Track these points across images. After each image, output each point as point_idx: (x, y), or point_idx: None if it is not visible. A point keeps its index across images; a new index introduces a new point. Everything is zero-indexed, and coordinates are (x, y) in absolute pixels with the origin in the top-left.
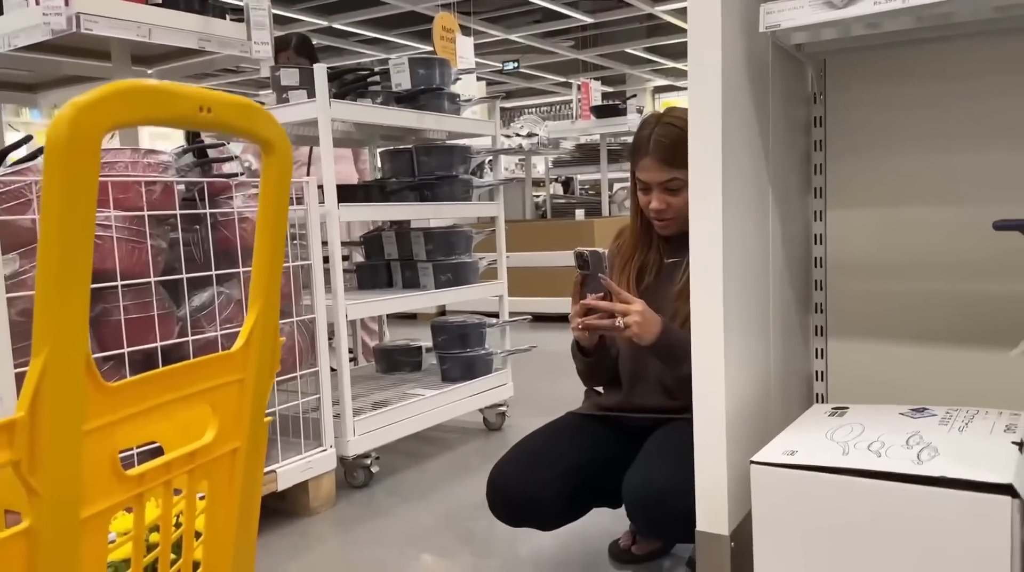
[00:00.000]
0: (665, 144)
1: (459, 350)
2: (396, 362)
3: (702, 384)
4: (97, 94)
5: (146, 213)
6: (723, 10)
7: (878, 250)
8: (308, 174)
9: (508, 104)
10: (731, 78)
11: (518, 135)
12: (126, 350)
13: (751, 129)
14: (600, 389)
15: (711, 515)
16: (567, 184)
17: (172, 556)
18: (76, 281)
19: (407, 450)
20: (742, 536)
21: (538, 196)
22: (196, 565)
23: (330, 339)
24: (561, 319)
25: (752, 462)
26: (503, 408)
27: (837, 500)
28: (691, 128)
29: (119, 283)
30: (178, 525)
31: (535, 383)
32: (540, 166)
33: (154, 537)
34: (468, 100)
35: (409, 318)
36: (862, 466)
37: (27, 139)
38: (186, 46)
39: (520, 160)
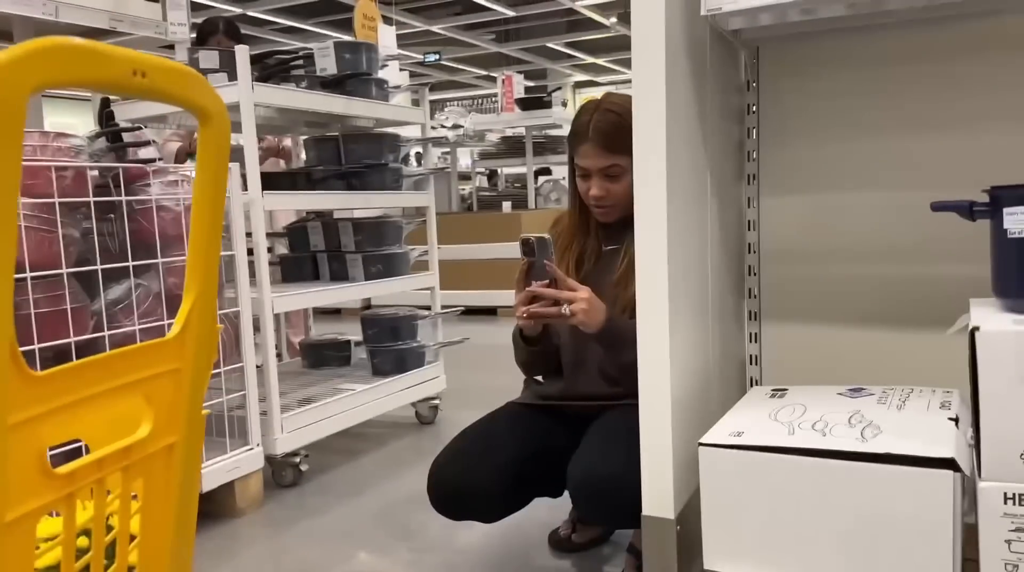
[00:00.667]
0: (605, 130)
1: (390, 343)
2: (324, 357)
3: (648, 370)
4: (20, 50)
5: (57, 200)
6: None
7: (810, 236)
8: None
9: (432, 96)
10: (674, 63)
11: (443, 127)
12: (36, 346)
13: (691, 116)
14: (540, 378)
15: (657, 499)
16: (492, 177)
17: (104, 562)
18: (2, 257)
19: (338, 447)
20: (687, 519)
21: (464, 189)
22: (130, 569)
23: (254, 334)
24: (491, 312)
25: (700, 444)
26: (436, 401)
27: (785, 479)
28: (636, 113)
29: (28, 275)
30: (110, 528)
31: (468, 376)
32: (465, 159)
33: (83, 541)
34: (397, 87)
35: (333, 313)
36: (809, 445)
37: None
38: (97, 26)
39: (444, 152)
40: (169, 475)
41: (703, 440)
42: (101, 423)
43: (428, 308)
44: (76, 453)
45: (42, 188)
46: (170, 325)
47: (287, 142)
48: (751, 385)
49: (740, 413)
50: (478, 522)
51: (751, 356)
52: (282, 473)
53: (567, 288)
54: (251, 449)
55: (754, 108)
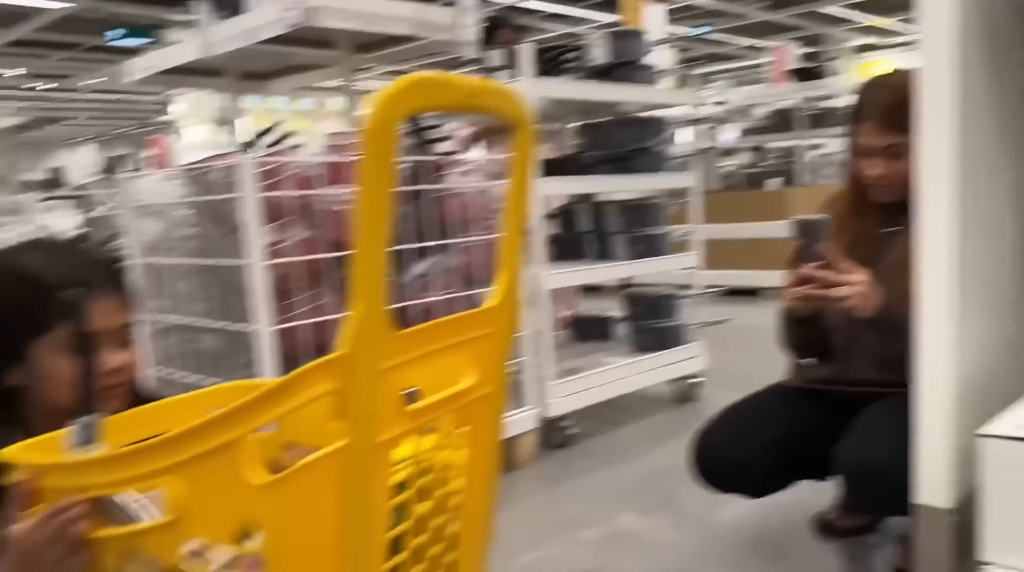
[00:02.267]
0: (890, 108)
1: (652, 321)
2: (588, 331)
3: (928, 357)
4: (398, 86)
5: None
6: None
7: None
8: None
9: (695, 71)
10: (966, 33)
11: (708, 103)
12: None
13: (985, 90)
14: (807, 361)
15: (931, 488)
16: (757, 153)
17: (439, 485)
18: (382, 243)
19: (601, 416)
20: (963, 512)
21: (726, 166)
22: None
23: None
24: (754, 293)
25: (983, 435)
26: (696, 380)
27: None
28: (922, 89)
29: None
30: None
31: (729, 356)
32: (729, 134)
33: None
34: (664, 71)
35: (593, 290)
36: None
37: (276, 125)
38: (400, 33)
39: (707, 127)
40: (485, 420)
41: (985, 431)
42: (437, 373)
43: (688, 287)
44: (411, 399)
45: None
46: (466, 297)
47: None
48: None
49: None
50: (741, 496)
51: None
52: (552, 434)
53: (842, 271)
54: (527, 410)
55: None
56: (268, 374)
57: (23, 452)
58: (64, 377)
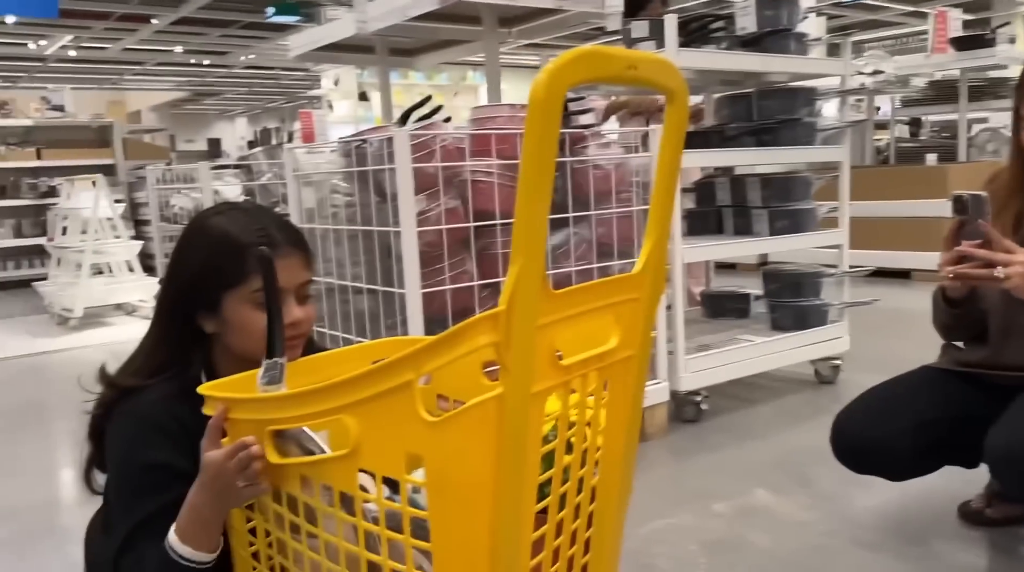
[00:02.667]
0: None
1: (792, 299)
2: (723, 308)
3: None
4: (562, 60)
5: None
6: None
7: None
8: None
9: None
10: None
11: (861, 73)
12: (502, 279)
13: None
14: (960, 344)
15: None
16: (914, 126)
17: (583, 439)
18: (543, 208)
19: (734, 393)
20: None
21: (880, 139)
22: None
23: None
24: (904, 275)
25: None
26: (837, 362)
27: None
28: None
29: (498, 222)
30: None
31: (874, 339)
32: (883, 106)
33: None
34: (817, 39)
35: (729, 267)
36: None
37: (427, 99)
38: (548, 6)
39: (857, 100)
40: (627, 381)
41: None
42: (583, 334)
43: (832, 266)
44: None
45: (510, 151)
46: (599, 269)
47: (699, 101)
48: None
49: None
50: (882, 478)
51: None
52: (684, 408)
53: (1003, 249)
54: (659, 383)
55: None
56: (415, 333)
57: (219, 387)
58: (252, 327)
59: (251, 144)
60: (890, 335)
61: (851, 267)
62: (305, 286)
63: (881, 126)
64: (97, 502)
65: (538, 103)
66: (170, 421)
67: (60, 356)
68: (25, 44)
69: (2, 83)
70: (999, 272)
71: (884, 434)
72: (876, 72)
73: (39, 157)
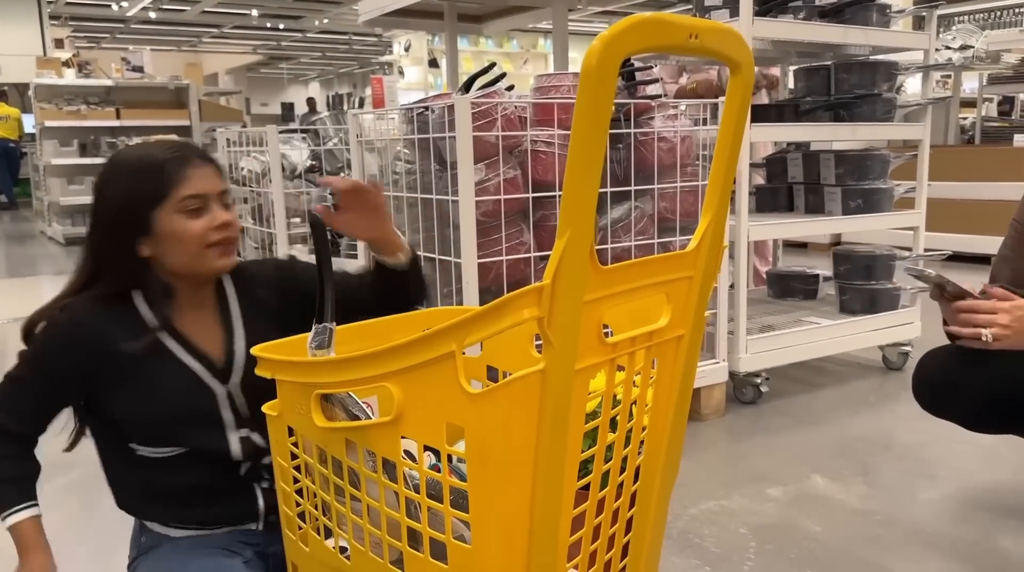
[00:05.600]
0: None
1: (862, 282)
2: (789, 288)
3: None
4: (617, 28)
5: None
6: None
7: None
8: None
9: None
10: None
11: (948, 48)
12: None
13: None
14: None
15: None
16: (1004, 104)
17: (627, 418)
18: (593, 181)
19: (796, 376)
20: None
21: (965, 118)
22: (642, 430)
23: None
24: (984, 260)
25: None
26: (907, 348)
27: None
28: None
29: (557, 193)
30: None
31: None
32: (970, 83)
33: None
34: (901, 11)
35: (799, 246)
36: None
37: (491, 66)
38: None
39: (943, 76)
40: (676, 361)
41: None
42: (633, 311)
43: (907, 249)
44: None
45: (572, 122)
46: (659, 244)
47: (774, 71)
48: None
49: None
50: (952, 422)
51: None
52: (743, 390)
53: (986, 310)
54: (717, 363)
55: None
56: (470, 302)
57: (271, 349)
58: (185, 235)
59: (311, 109)
60: None
61: (927, 250)
62: (224, 194)
63: (968, 103)
64: None
65: (591, 72)
66: (81, 323)
67: None
68: (109, 6)
69: (86, 43)
70: (985, 337)
71: (965, 374)
72: (964, 47)
73: (118, 117)
